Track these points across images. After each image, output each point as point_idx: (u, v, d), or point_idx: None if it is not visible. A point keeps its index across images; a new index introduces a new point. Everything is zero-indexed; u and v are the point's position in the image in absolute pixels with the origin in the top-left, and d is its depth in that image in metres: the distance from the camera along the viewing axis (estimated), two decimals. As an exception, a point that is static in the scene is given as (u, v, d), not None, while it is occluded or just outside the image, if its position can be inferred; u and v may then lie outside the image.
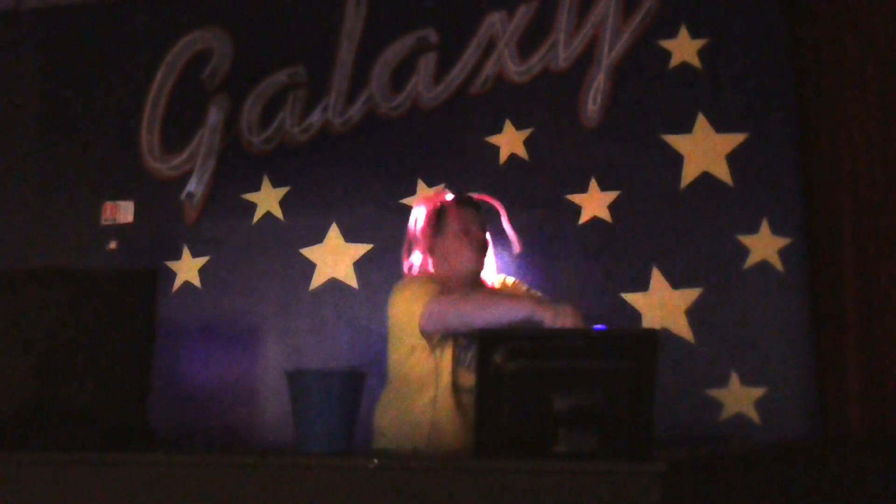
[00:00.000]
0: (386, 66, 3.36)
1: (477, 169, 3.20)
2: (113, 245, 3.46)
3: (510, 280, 2.83)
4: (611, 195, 3.10)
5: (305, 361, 3.10)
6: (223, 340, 3.30)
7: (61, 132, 3.61)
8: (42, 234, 3.51)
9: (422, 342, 2.58)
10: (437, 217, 2.73)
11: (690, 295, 3.00)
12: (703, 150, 3.06)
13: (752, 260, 2.99)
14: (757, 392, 2.92)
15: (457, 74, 3.29)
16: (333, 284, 3.26)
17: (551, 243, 3.13)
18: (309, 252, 3.30)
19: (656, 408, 1.97)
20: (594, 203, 3.11)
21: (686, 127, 3.09)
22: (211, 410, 3.25)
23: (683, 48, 3.12)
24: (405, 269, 2.77)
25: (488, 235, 2.77)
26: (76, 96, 3.62)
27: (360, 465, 1.92)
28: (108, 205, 3.50)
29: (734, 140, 3.05)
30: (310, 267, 3.29)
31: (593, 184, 3.12)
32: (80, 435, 2.19)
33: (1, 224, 3.58)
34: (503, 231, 2.85)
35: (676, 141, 3.09)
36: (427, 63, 3.33)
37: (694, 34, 3.12)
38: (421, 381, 2.60)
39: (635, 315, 3.02)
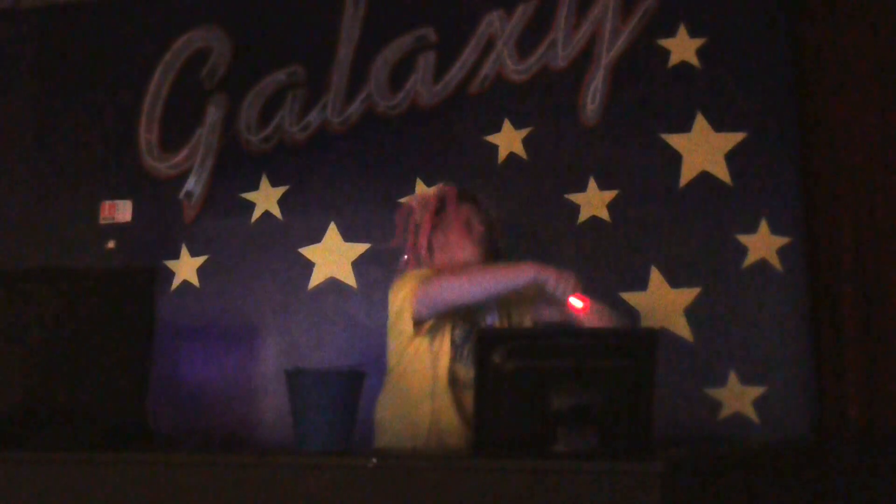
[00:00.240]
0: (385, 65, 3.36)
1: (476, 168, 3.20)
2: (111, 244, 3.46)
3: None
4: (609, 194, 3.10)
5: (304, 360, 3.09)
6: (222, 339, 3.30)
7: (59, 131, 3.61)
8: (40, 233, 3.51)
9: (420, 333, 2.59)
10: (438, 211, 2.73)
11: (689, 294, 3.01)
12: (702, 150, 3.06)
13: (750, 259, 2.99)
14: (756, 391, 2.92)
15: (455, 73, 3.29)
16: (332, 284, 3.26)
17: (550, 243, 3.12)
18: (308, 251, 3.30)
19: (655, 407, 1.97)
20: (593, 202, 3.11)
21: (685, 126, 3.09)
22: (210, 409, 3.25)
23: (682, 47, 3.12)
24: (403, 264, 2.76)
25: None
26: (74, 95, 3.61)
27: (359, 464, 1.91)
28: (107, 204, 3.50)
29: (733, 139, 3.05)
30: (308, 266, 3.29)
31: (592, 183, 3.12)
32: (78, 434, 2.18)
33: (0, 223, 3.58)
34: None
35: (675, 140, 3.09)
36: (426, 62, 3.33)
37: (693, 33, 3.12)
38: (419, 373, 2.61)
39: (634, 314, 3.02)
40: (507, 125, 3.22)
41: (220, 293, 3.33)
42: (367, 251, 3.23)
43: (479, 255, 2.71)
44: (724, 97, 3.07)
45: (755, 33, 3.08)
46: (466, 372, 2.54)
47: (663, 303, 3.00)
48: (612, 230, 3.09)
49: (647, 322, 2.98)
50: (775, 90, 3.05)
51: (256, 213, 3.37)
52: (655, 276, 3.03)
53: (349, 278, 3.25)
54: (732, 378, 2.94)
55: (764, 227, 2.99)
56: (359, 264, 3.24)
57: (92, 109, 3.58)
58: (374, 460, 1.90)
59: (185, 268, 3.37)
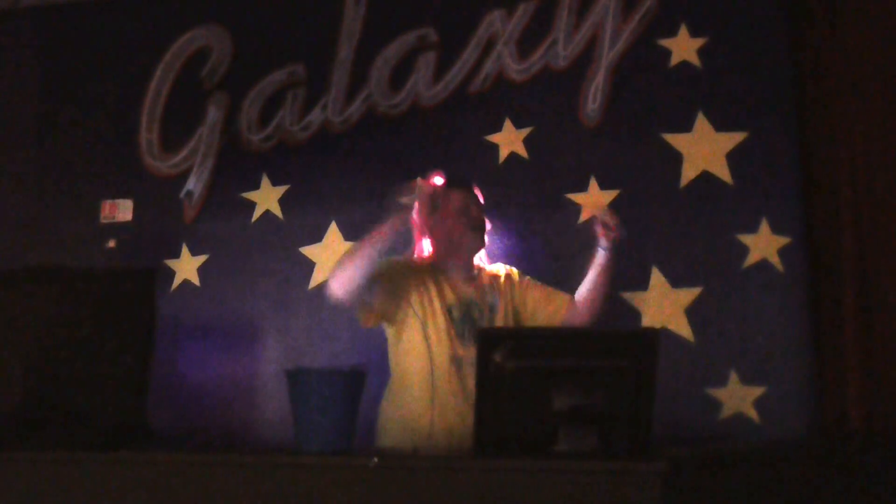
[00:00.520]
0: (385, 65, 3.35)
1: (476, 168, 3.20)
2: (112, 243, 3.46)
3: (508, 269, 2.85)
4: (610, 194, 3.10)
5: (305, 360, 3.10)
6: (222, 339, 3.30)
7: (60, 130, 3.61)
8: (41, 233, 3.51)
9: (408, 318, 2.65)
10: (433, 199, 2.74)
11: (690, 294, 3.00)
12: (703, 149, 3.06)
13: (751, 259, 2.99)
14: (756, 391, 2.92)
15: (456, 73, 3.29)
16: (333, 283, 3.25)
17: (551, 242, 3.12)
18: (308, 251, 3.30)
19: (655, 407, 1.97)
20: (593, 202, 3.10)
21: (686, 126, 3.08)
22: (210, 409, 3.24)
23: (683, 47, 3.12)
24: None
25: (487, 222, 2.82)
26: (75, 94, 3.61)
27: (360, 464, 1.91)
28: (107, 203, 3.50)
29: (734, 139, 3.05)
30: (309, 265, 3.29)
31: (593, 183, 3.12)
32: (78, 434, 2.18)
33: (0, 222, 3.57)
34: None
35: (676, 140, 3.09)
36: (426, 62, 3.32)
37: (694, 33, 3.11)
38: (416, 357, 2.65)
39: (635, 314, 3.02)
40: (507, 125, 3.22)
41: (220, 293, 3.33)
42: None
43: (478, 239, 2.74)
44: (724, 97, 3.07)
45: (756, 33, 3.08)
46: (468, 350, 2.58)
47: (664, 302, 3.00)
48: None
49: (648, 322, 2.99)
50: (776, 90, 3.05)
51: (257, 213, 3.37)
52: (656, 275, 3.03)
53: (350, 278, 3.24)
54: (733, 378, 2.94)
55: (765, 226, 2.99)
56: (359, 264, 3.24)
57: (92, 109, 3.58)
58: (375, 460, 1.90)
59: (186, 267, 3.37)
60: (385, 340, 2.77)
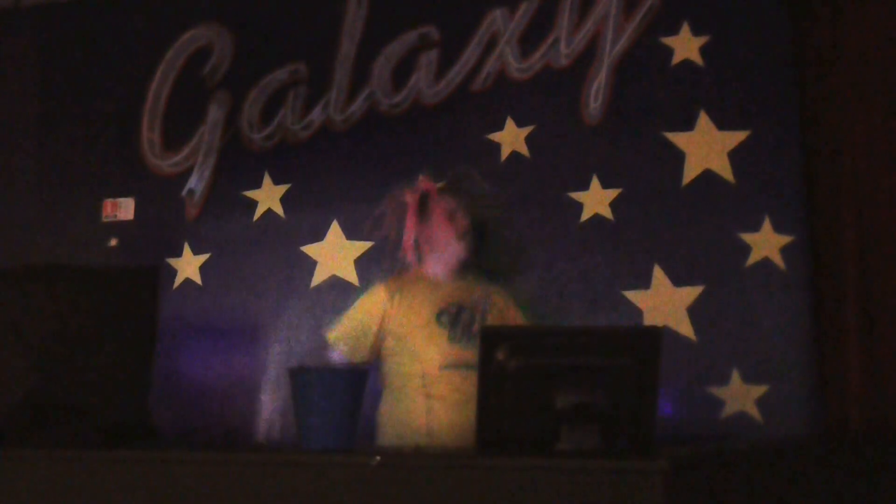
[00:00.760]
0: (387, 63, 3.35)
1: (478, 166, 3.19)
2: (114, 242, 3.46)
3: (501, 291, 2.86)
4: (612, 193, 3.10)
5: (307, 358, 3.10)
6: (224, 337, 3.30)
7: (61, 129, 3.61)
8: (43, 231, 3.51)
9: (388, 336, 2.69)
10: (421, 209, 2.75)
11: (692, 293, 3.00)
12: (705, 148, 3.05)
13: (753, 258, 2.98)
14: (758, 390, 2.92)
15: (458, 71, 3.29)
16: (334, 282, 3.26)
17: (552, 241, 3.12)
18: (310, 249, 3.30)
19: (658, 405, 1.96)
20: (595, 200, 3.10)
21: (688, 124, 3.08)
22: (212, 407, 3.25)
23: (685, 45, 3.11)
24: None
25: None
26: (76, 93, 3.62)
27: (363, 462, 1.91)
28: (109, 202, 3.50)
29: (736, 137, 3.04)
30: (311, 264, 3.29)
31: (595, 181, 3.12)
32: (81, 431, 2.19)
33: (2, 221, 3.58)
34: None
35: (678, 138, 3.08)
36: (428, 60, 3.32)
37: (696, 31, 3.11)
38: (406, 366, 2.66)
39: (637, 313, 3.01)
40: (509, 123, 3.21)
41: (222, 291, 3.33)
42: (369, 249, 3.23)
43: (464, 249, 2.74)
44: (727, 95, 3.07)
45: (758, 31, 3.07)
46: (463, 353, 2.61)
47: (666, 301, 3.00)
48: (614, 228, 3.08)
49: (650, 320, 2.98)
50: (778, 88, 3.04)
51: (259, 211, 3.37)
52: (658, 274, 3.03)
53: (351, 276, 3.24)
54: (735, 377, 2.94)
55: (767, 225, 2.98)
56: (361, 262, 3.24)
57: (94, 108, 3.59)
58: (378, 458, 1.90)
59: (188, 266, 3.37)
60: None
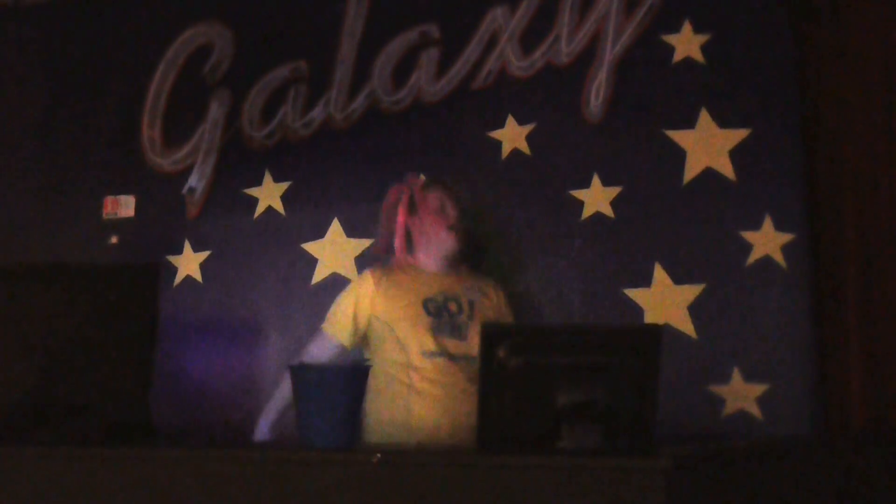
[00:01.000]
0: (388, 61, 3.35)
1: (479, 164, 3.20)
2: (114, 239, 3.46)
3: (497, 285, 2.88)
4: (613, 191, 3.09)
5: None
6: (225, 335, 3.30)
7: (62, 127, 3.61)
8: (43, 229, 3.51)
9: (374, 322, 2.72)
10: (410, 203, 2.77)
11: (693, 291, 3.00)
12: (706, 146, 3.05)
13: (754, 256, 2.98)
14: (759, 388, 2.91)
15: (459, 69, 3.29)
16: (335, 279, 3.25)
17: (553, 239, 3.12)
18: (311, 247, 3.30)
19: (659, 404, 1.96)
20: (596, 198, 3.10)
21: (689, 122, 3.08)
22: (213, 405, 3.25)
23: (687, 43, 3.11)
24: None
25: None
26: (77, 91, 3.61)
27: (363, 459, 1.91)
28: (110, 199, 3.50)
29: (737, 135, 3.04)
30: (311, 262, 3.29)
31: (596, 179, 3.11)
32: (81, 429, 2.18)
33: (2, 219, 3.58)
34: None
35: (679, 136, 3.08)
36: (429, 58, 3.32)
37: (697, 29, 3.10)
38: (389, 353, 2.69)
39: (637, 311, 3.01)
40: (510, 121, 3.21)
41: (223, 289, 3.33)
42: (370, 247, 3.23)
43: (454, 240, 2.75)
44: (728, 93, 3.06)
45: (759, 29, 3.07)
46: (452, 343, 2.65)
47: (667, 299, 3.00)
48: (615, 227, 3.08)
49: (651, 319, 2.98)
50: (780, 86, 3.04)
51: (259, 209, 3.37)
52: (659, 272, 3.02)
53: (352, 274, 3.24)
54: (736, 375, 2.94)
55: (768, 223, 2.98)
56: (362, 260, 3.24)
57: (94, 105, 3.58)
58: (379, 455, 1.90)
59: (188, 263, 3.37)
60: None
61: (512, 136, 3.20)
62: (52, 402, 2.23)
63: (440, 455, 2.08)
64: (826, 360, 2.94)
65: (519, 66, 3.25)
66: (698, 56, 3.10)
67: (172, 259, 3.38)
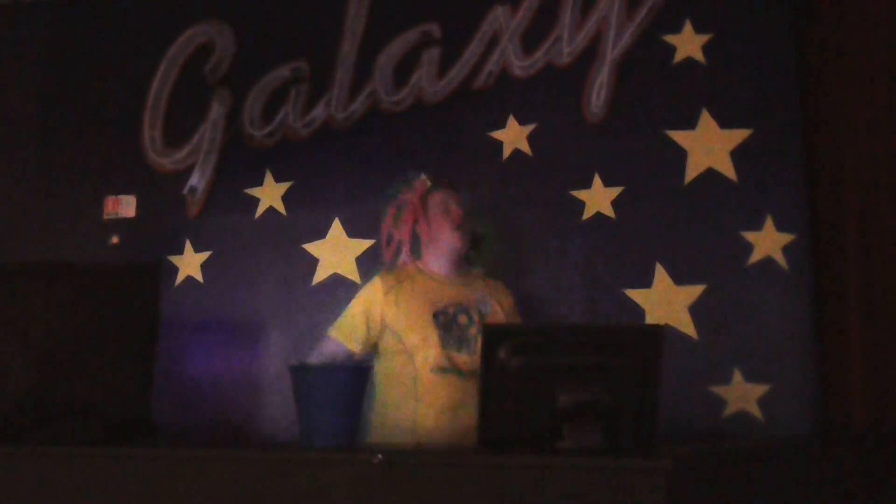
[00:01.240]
0: (389, 61, 3.35)
1: (480, 164, 3.20)
2: (115, 239, 3.46)
3: (506, 291, 2.85)
4: (614, 191, 3.09)
5: (309, 356, 3.09)
6: (226, 335, 3.30)
7: (63, 126, 3.60)
8: (44, 229, 3.50)
9: (385, 333, 2.69)
10: (420, 204, 2.79)
11: (694, 291, 3.00)
12: (707, 146, 3.05)
13: (755, 256, 2.98)
14: (760, 389, 2.91)
15: (460, 69, 3.29)
16: (336, 280, 3.25)
17: (554, 239, 3.12)
18: (312, 247, 3.30)
19: (660, 404, 1.96)
20: (598, 199, 3.10)
21: (690, 123, 3.08)
22: (214, 405, 3.24)
23: (688, 43, 3.11)
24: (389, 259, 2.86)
25: None
26: (78, 90, 3.61)
27: (365, 460, 1.91)
28: (111, 199, 3.50)
29: (738, 136, 3.04)
30: (312, 262, 3.29)
31: (597, 179, 3.12)
32: (82, 429, 2.18)
33: (3, 218, 3.57)
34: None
35: (680, 137, 3.08)
36: (430, 58, 3.32)
37: (698, 29, 3.11)
38: (397, 366, 2.66)
39: (638, 311, 3.01)
40: (511, 121, 3.21)
41: (223, 289, 3.33)
42: (371, 247, 3.23)
43: (460, 238, 2.74)
44: (729, 93, 3.06)
45: (761, 29, 3.07)
46: (457, 357, 2.62)
47: (668, 300, 3.00)
48: (616, 227, 3.08)
49: (652, 319, 2.98)
50: (781, 86, 3.04)
51: (260, 209, 3.37)
52: (660, 272, 3.02)
53: (353, 274, 3.24)
54: (737, 376, 2.93)
55: (769, 224, 2.98)
56: (363, 260, 3.24)
57: (96, 105, 3.58)
58: (380, 456, 1.89)
59: (189, 263, 3.37)
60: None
61: (513, 136, 3.20)
62: (52, 402, 2.23)
63: (441, 455, 2.07)
64: (827, 360, 2.94)
65: (520, 66, 3.25)
66: (699, 56, 3.10)
67: (173, 259, 3.37)
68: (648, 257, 3.04)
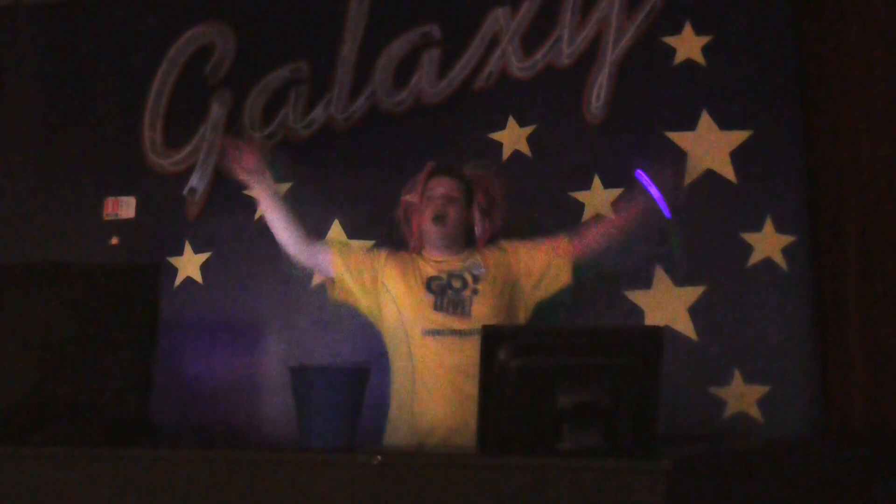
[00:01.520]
0: (389, 62, 3.35)
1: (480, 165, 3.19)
2: (115, 240, 3.45)
3: (502, 242, 2.84)
4: (614, 192, 3.09)
5: (308, 357, 3.09)
6: (225, 336, 3.29)
7: (63, 128, 3.60)
8: (44, 229, 3.50)
9: (383, 295, 2.71)
10: (422, 193, 2.80)
11: (694, 293, 3.00)
12: (707, 148, 3.05)
13: (755, 258, 2.98)
14: (760, 390, 2.91)
15: (460, 70, 3.29)
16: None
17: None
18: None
19: (660, 405, 1.96)
20: (597, 200, 3.10)
21: (690, 124, 3.08)
22: (213, 406, 3.24)
23: (688, 45, 3.11)
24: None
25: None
26: (78, 92, 3.61)
27: (364, 461, 1.91)
28: (111, 200, 3.50)
29: (738, 137, 3.04)
30: (312, 263, 3.28)
31: (596, 181, 3.12)
32: (81, 430, 2.18)
33: (3, 219, 3.57)
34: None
35: (680, 138, 3.08)
36: (430, 59, 3.32)
37: (698, 31, 3.11)
38: (395, 331, 2.68)
39: (638, 312, 3.01)
40: (511, 122, 3.21)
41: (223, 290, 3.33)
42: (370, 248, 3.22)
43: (441, 228, 2.74)
44: (729, 95, 3.07)
45: (760, 31, 3.08)
46: (450, 320, 2.63)
47: (668, 301, 3.00)
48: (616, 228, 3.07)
49: (652, 320, 2.98)
50: (781, 88, 3.04)
51: (260, 210, 3.36)
52: (660, 274, 3.02)
53: (353, 275, 3.23)
54: (737, 377, 2.94)
55: (769, 225, 2.98)
56: (362, 261, 3.23)
57: (96, 106, 3.58)
58: (379, 457, 1.89)
59: (189, 264, 3.37)
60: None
61: (513, 137, 3.20)
62: (52, 402, 2.23)
63: (441, 457, 2.07)
64: (827, 361, 2.94)
65: (520, 67, 3.25)
66: (699, 58, 3.10)
67: (173, 260, 3.37)
68: (648, 258, 3.03)
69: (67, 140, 3.58)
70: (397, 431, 2.65)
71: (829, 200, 3.02)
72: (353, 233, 3.27)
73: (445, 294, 2.68)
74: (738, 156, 3.04)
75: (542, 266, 2.74)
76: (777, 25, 3.08)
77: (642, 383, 1.95)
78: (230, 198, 3.39)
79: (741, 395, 2.92)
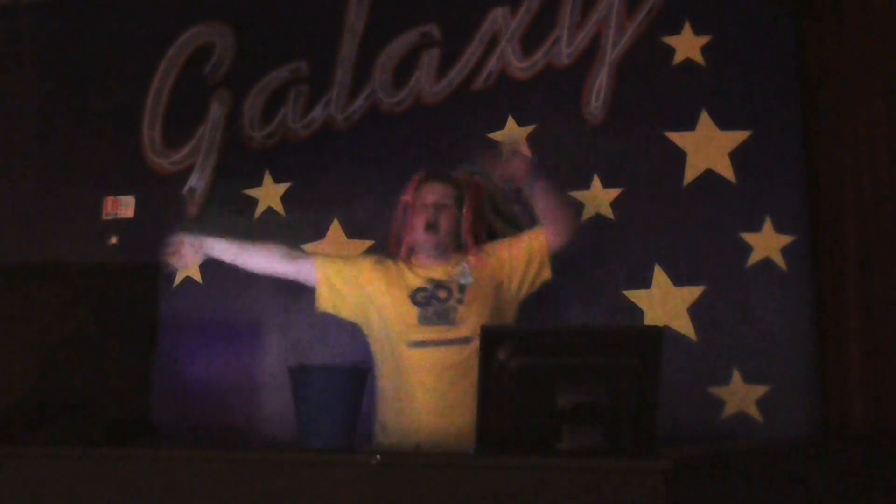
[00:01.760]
0: (388, 62, 3.35)
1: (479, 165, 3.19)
2: (114, 240, 3.45)
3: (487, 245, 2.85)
4: (613, 192, 3.09)
5: (307, 357, 3.09)
6: (225, 336, 3.29)
7: (62, 127, 3.60)
8: (43, 229, 3.50)
9: (369, 307, 2.74)
10: (413, 202, 2.82)
11: (693, 293, 3.00)
12: (707, 147, 3.05)
13: (754, 258, 2.98)
14: (759, 390, 2.92)
15: (459, 70, 3.29)
16: (335, 280, 3.25)
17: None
18: (310, 248, 3.29)
19: (659, 405, 1.96)
20: (597, 200, 3.10)
21: (689, 124, 3.08)
22: (212, 406, 3.24)
23: (687, 45, 3.11)
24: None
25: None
26: (77, 91, 3.61)
27: (363, 461, 1.91)
28: (110, 199, 3.50)
29: (737, 137, 3.04)
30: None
31: (596, 181, 3.12)
32: (81, 429, 2.18)
33: (2, 218, 3.57)
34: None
35: (679, 138, 3.08)
36: (430, 59, 3.32)
37: (698, 30, 3.11)
38: (382, 343, 2.70)
39: (637, 312, 3.01)
40: (510, 122, 3.21)
41: (223, 289, 3.32)
42: (369, 248, 3.23)
43: (433, 236, 2.75)
44: (728, 95, 3.07)
45: (760, 31, 3.07)
46: (434, 331, 2.64)
47: (667, 301, 3.00)
48: (615, 228, 3.08)
49: (651, 320, 2.98)
50: (780, 88, 3.04)
51: (259, 210, 3.37)
52: (659, 274, 3.02)
53: (352, 275, 3.23)
54: (736, 377, 2.94)
55: (768, 225, 2.98)
56: (362, 261, 3.23)
57: (95, 105, 3.58)
58: (378, 457, 1.90)
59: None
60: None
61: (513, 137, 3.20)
62: (52, 402, 2.23)
63: (440, 457, 2.07)
64: (826, 361, 2.94)
65: (519, 67, 3.25)
66: (699, 58, 3.10)
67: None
68: (647, 258, 3.04)
69: (66, 139, 3.58)
70: (387, 438, 2.66)
71: (829, 200, 3.02)
72: (352, 233, 3.27)
73: (431, 304, 2.69)
74: (737, 156, 3.04)
75: (523, 262, 2.77)
76: (777, 25, 3.07)
77: (642, 383, 1.95)
78: (229, 197, 3.39)
79: (740, 395, 2.92)
